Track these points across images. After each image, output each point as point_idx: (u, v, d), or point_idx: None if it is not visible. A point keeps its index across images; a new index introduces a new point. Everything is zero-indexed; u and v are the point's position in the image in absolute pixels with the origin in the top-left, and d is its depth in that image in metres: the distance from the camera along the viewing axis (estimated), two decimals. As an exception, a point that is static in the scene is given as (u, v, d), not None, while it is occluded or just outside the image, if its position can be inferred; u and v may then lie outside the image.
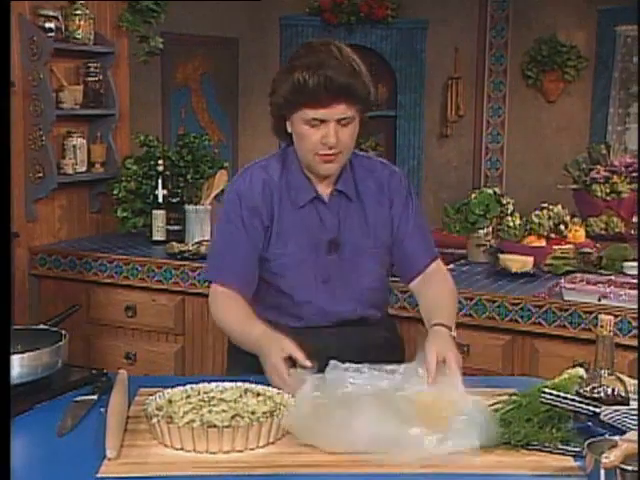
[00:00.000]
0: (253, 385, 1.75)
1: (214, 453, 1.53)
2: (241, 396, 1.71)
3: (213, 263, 2.13)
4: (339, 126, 1.93)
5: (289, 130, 2.01)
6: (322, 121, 1.92)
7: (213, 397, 1.71)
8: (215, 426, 1.55)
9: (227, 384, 1.76)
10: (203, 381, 1.79)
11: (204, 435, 1.52)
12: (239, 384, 1.76)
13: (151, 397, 1.68)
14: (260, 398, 1.70)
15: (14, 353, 1.80)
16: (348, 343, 2.04)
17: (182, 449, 1.54)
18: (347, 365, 1.78)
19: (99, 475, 1.47)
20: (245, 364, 1.97)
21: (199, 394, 1.72)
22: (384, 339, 2.15)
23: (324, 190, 2.07)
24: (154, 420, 1.57)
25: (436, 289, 2.09)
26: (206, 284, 3.29)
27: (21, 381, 1.80)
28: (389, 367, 1.80)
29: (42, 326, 2.03)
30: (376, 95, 2.03)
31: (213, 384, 1.76)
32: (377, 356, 1.88)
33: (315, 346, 1.90)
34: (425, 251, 2.14)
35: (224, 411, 1.63)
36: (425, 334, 1.93)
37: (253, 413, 1.63)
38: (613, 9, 5.76)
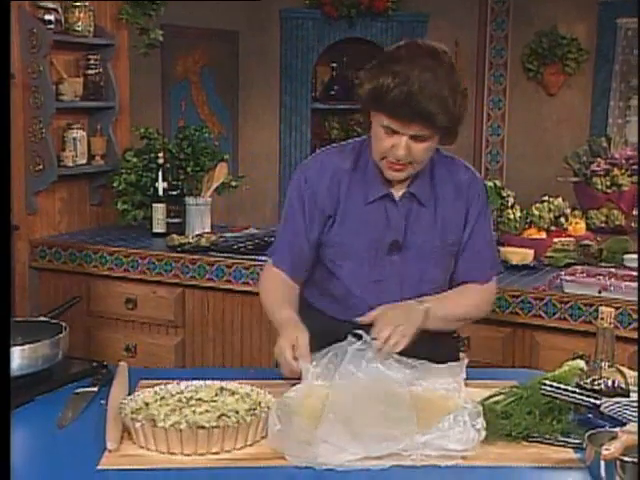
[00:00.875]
0: (224, 383, 1.72)
1: (202, 455, 1.50)
2: (217, 395, 1.68)
3: (274, 242, 2.13)
4: (412, 141, 1.87)
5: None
6: (395, 131, 1.86)
7: (190, 397, 1.67)
8: (203, 427, 1.51)
9: (197, 383, 1.72)
10: (204, 374, 1.79)
11: (193, 436, 1.49)
12: (209, 382, 1.73)
13: (123, 401, 1.63)
14: (236, 396, 1.67)
15: (14, 345, 1.81)
16: None
17: (168, 452, 1.50)
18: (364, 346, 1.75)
19: (99, 467, 1.47)
20: None
21: (173, 395, 1.68)
22: (427, 353, 1.86)
23: (397, 190, 2.00)
24: (138, 424, 1.52)
25: (457, 294, 2.05)
26: (207, 276, 3.30)
27: (21, 373, 1.80)
28: (410, 361, 1.77)
29: (42, 318, 2.03)
30: (464, 114, 1.96)
31: (183, 384, 1.72)
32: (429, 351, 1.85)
33: None
34: (480, 269, 2.08)
35: (207, 411, 1.60)
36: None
37: (237, 412, 1.60)
38: (614, 2, 5.75)
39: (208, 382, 1.73)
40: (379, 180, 1.99)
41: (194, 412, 1.59)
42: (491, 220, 2.12)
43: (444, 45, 1.93)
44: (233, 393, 1.69)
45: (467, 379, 1.86)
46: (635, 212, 3.88)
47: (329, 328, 1.97)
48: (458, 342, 2.24)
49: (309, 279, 2.12)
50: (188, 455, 1.50)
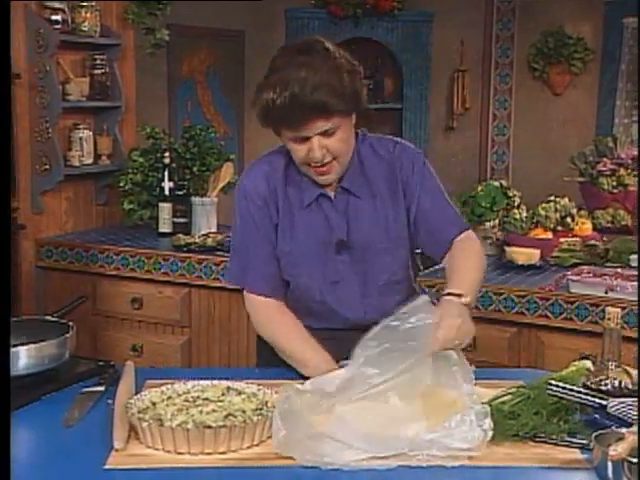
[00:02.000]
0: (230, 383, 1.72)
1: (209, 454, 1.50)
2: (224, 394, 1.68)
3: (237, 265, 2.04)
4: (324, 137, 1.82)
5: None
6: (305, 138, 1.82)
7: (197, 397, 1.67)
8: (210, 427, 1.51)
9: (204, 382, 1.72)
10: (210, 374, 1.79)
11: (200, 436, 1.49)
12: (216, 382, 1.73)
13: (130, 401, 1.63)
14: (243, 396, 1.67)
15: (21, 344, 1.81)
16: None
17: (175, 452, 1.50)
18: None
19: (107, 466, 1.47)
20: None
21: (180, 395, 1.68)
22: None
23: (331, 188, 1.97)
24: (145, 424, 1.52)
25: (458, 259, 1.96)
26: (213, 276, 3.30)
27: (28, 372, 1.80)
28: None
29: (49, 318, 2.03)
30: (363, 92, 1.89)
31: (190, 384, 1.72)
32: None
33: (330, 349, 1.91)
34: (450, 224, 2.01)
35: (214, 411, 1.60)
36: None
37: (244, 412, 1.60)
38: (620, 1, 5.74)
39: (215, 382, 1.74)
40: (312, 182, 1.95)
41: (201, 412, 1.59)
42: (438, 182, 2.03)
43: (319, 37, 1.89)
44: (240, 393, 1.69)
45: (474, 379, 1.87)
46: (642, 212, 3.87)
47: None
48: None
49: None
50: (195, 455, 1.50)
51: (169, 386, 1.71)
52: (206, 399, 1.66)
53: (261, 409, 1.61)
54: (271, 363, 2.04)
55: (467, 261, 1.96)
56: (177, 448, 1.50)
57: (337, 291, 1.99)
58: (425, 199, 1.98)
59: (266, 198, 1.97)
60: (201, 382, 1.73)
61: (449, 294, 1.81)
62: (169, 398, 1.66)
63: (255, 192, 1.98)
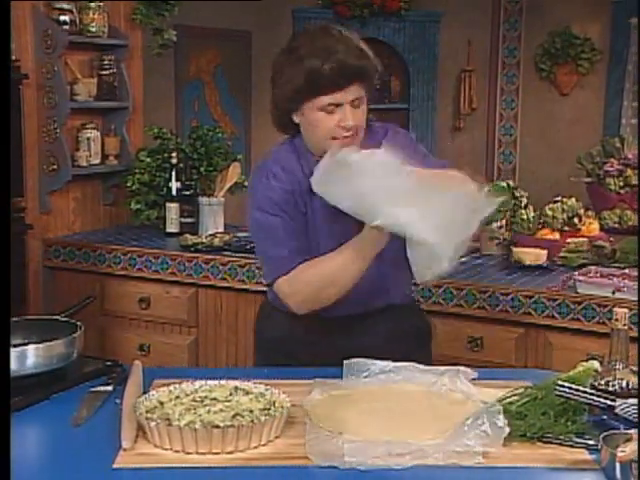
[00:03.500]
0: (237, 382, 1.72)
1: (217, 454, 1.50)
2: (231, 394, 1.68)
3: (270, 262, 2.01)
4: (352, 108, 1.93)
5: (296, 121, 1.98)
6: (337, 105, 1.91)
7: (205, 397, 1.67)
8: (218, 426, 1.51)
9: (211, 382, 1.73)
10: (218, 373, 1.80)
11: (207, 436, 1.49)
12: (223, 382, 1.73)
13: (138, 400, 1.63)
14: (251, 396, 1.67)
15: (29, 343, 1.82)
16: (377, 332, 2.05)
17: (182, 451, 1.50)
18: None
19: (115, 466, 1.48)
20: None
21: (188, 394, 1.68)
22: (413, 327, 2.16)
23: None
24: (153, 424, 1.52)
25: None
26: (220, 276, 3.30)
27: (36, 371, 1.81)
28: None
29: (57, 317, 2.04)
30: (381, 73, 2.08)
31: (197, 383, 1.72)
32: (407, 344, 1.94)
33: (346, 337, 1.98)
34: None
35: (222, 410, 1.60)
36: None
37: (251, 411, 1.60)
38: (627, 1, 5.73)
39: (222, 381, 1.74)
40: None
41: (209, 411, 1.60)
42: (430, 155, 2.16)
43: None
44: (247, 392, 1.69)
45: (480, 379, 1.87)
46: (650, 212, 3.86)
47: (296, 329, 2.05)
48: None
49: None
50: (203, 454, 1.50)
51: (177, 386, 1.71)
52: (214, 399, 1.66)
53: (269, 409, 1.62)
54: (269, 363, 2.08)
55: None
56: (185, 448, 1.50)
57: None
58: (425, 162, 2.04)
59: (290, 195, 1.99)
60: (209, 382, 1.73)
61: None
62: (177, 398, 1.67)
63: (281, 191, 1.99)
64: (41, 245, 3.67)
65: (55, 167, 3.62)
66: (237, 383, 1.73)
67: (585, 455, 1.53)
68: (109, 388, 1.83)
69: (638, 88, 5.58)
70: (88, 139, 3.80)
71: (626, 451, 1.35)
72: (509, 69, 6.20)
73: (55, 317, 2.05)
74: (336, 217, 1.92)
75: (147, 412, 1.59)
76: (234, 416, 1.57)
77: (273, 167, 2.04)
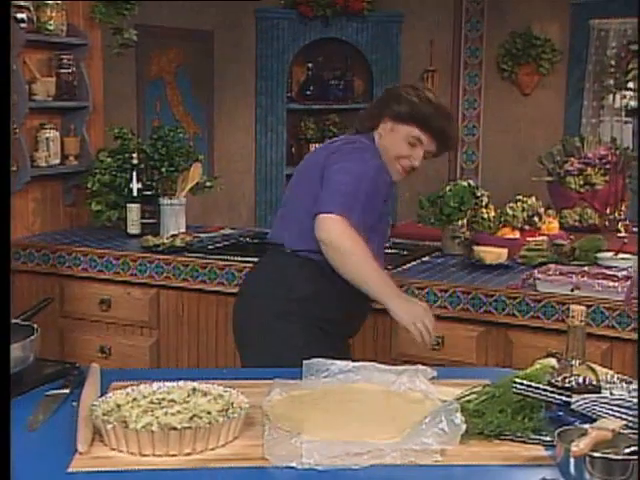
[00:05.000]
0: (196, 384, 1.72)
1: (174, 456, 1.48)
2: (189, 396, 1.67)
3: (344, 201, 2.28)
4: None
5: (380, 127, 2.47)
6: (419, 144, 2.42)
7: (163, 398, 1.66)
8: (175, 428, 1.50)
9: (169, 384, 1.72)
10: (177, 375, 1.78)
11: (164, 438, 1.48)
12: (182, 383, 1.72)
13: (95, 403, 1.62)
14: (209, 397, 1.67)
15: (-16, 347, 1.79)
16: None
17: (139, 454, 1.48)
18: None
19: (70, 470, 1.46)
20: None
21: (145, 396, 1.67)
22: None
23: None
24: (109, 426, 1.50)
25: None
26: (181, 277, 3.28)
27: (-8, 375, 1.78)
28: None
29: (14, 320, 2.01)
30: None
31: (155, 385, 1.71)
32: None
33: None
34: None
35: (180, 412, 1.59)
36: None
37: (209, 413, 1.59)
38: (586, 3, 5.80)
39: (181, 383, 1.73)
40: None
41: (166, 413, 1.58)
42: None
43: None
44: (205, 394, 1.68)
45: (440, 378, 1.88)
46: (608, 211, 3.91)
47: (330, 284, 2.35)
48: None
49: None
50: (159, 456, 1.49)
51: (134, 388, 1.69)
52: (172, 401, 1.65)
53: (227, 410, 1.61)
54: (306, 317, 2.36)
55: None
56: (142, 450, 1.49)
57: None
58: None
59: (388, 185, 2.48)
60: (167, 384, 1.72)
61: None
62: (134, 400, 1.65)
63: (382, 174, 2.43)
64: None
65: (14, 168, 3.56)
66: (195, 384, 1.72)
67: (541, 451, 1.54)
68: (66, 391, 1.81)
69: (639, 89, 5.63)
70: (47, 139, 3.75)
71: (580, 446, 1.36)
72: (471, 69, 6.24)
73: (12, 320, 2.01)
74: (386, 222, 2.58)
75: (104, 415, 1.57)
76: (191, 418, 1.56)
77: (378, 160, 2.43)
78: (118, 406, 1.62)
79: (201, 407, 1.62)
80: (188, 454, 1.50)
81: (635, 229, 3.69)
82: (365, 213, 2.32)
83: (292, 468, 1.46)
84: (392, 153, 2.44)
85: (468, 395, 1.71)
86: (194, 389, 1.70)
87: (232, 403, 1.64)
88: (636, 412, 1.53)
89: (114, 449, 1.51)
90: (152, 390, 1.70)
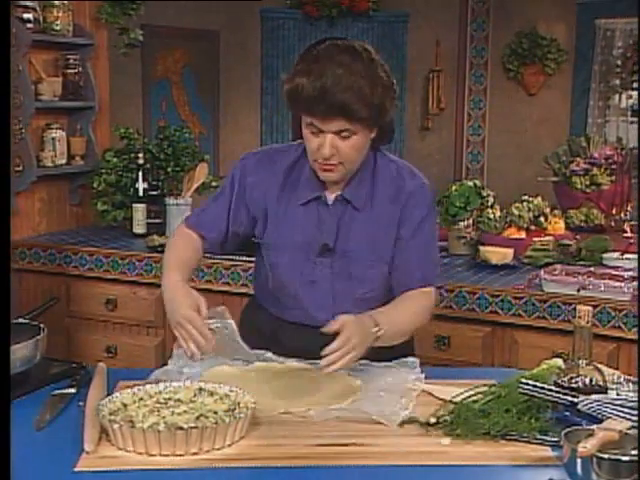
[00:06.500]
0: (202, 384, 1.72)
1: (180, 456, 1.49)
2: (195, 395, 1.68)
3: (198, 210, 2.14)
4: (338, 137, 1.84)
5: None
6: (320, 130, 1.84)
7: (169, 398, 1.66)
8: (181, 428, 1.50)
9: (175, 384, 1.72)
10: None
11: (171, 437, 1.48)
12: (188, 383, 1.73)
13: (101, 403, 1.62)
14: (215, 397, 1.67)
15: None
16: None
17: (145, 453, 1.49)
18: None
19: (77, 469, 1.46)
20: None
21: (152, 396, 1.67)
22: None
23: (330, 192, 1.98)
24: (116, 426, 1.51)
25: (399, 304, 1.96)
26: (187, 277, 3.28)
27: (-1, 375, 1.78)
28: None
29: (20, 320, 2.02)
30: (391, 111, 1.93)
31: (161, 385, 1.71)
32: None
33: (297, 344, 1.97)
34: (420, 274, 1.98)
35: (186, 412, 1.59)
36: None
37: (216, 413, 1.59)
38: (592, 2, 5.79)
39: (186, 383, 1.73)
40: (313, 182, 1.97)
41: (172, 413, 1.59)
42: (435, 230, 2.06)
43: (369, 45, 1.94)
44: (212, 394, 1.68)
45: (446, 378, 1.88)
46: (614, 211, 3.90)
47: (277, 329, 2.07)
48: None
49: (257, 280, 2.14)
50: (166, 456, 1.49)
51: (140, 387, 1.70)
52: (178, 400, 1.65)
53: (233, 410, 1.61)
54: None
55: (409, 306, 1.96)
56: (148, 450, 1.49)
57: (312, 292, 2.00)
58: (413, 234, 1.98)
59: (261, 185, 2.01)
60: (173, 383, 1.73)
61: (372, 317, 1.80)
62: (141, 399, 1.65)
63: (254, 175, 2.03)
64: (6, 247, 3.62)
65: (20, 168, 3.57)
66: (202, 384, 1.72)
67: (548, 452, 1.54)
68: (72, 390, 1.82)
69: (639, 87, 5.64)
70: (53, 139, 3.76)
71: (587, 446, 1.36)
72: (477, 69, 6.24)
73: (18, 319, 2.02)
74: (301, 226, 2.02)
75: (110, 414, 1.57)
76: (198, 417, 1.57)
77: (252, 160, 2.08)
78: (124, 405, 1.62)
79: (207, 407, 1.62)
80: (194, 454, 1.50)
81: (641, 229, 3.68)
82: (220, 221, 2.05)
83: (300, 468, 1.46)
84: (307, 152, 1.94)
85: (473, 395, 1.71)
86: (200, 389, 1.70)
87: (238, 403, 1.64)
88: (643, 413, 1.53)
89: (121, 449, 1.51)
90: (158, 390, 1.70)
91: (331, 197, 1.98)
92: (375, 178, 1.99)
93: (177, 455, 1.49)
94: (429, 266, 2.03)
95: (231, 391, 1.69)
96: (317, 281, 2.00)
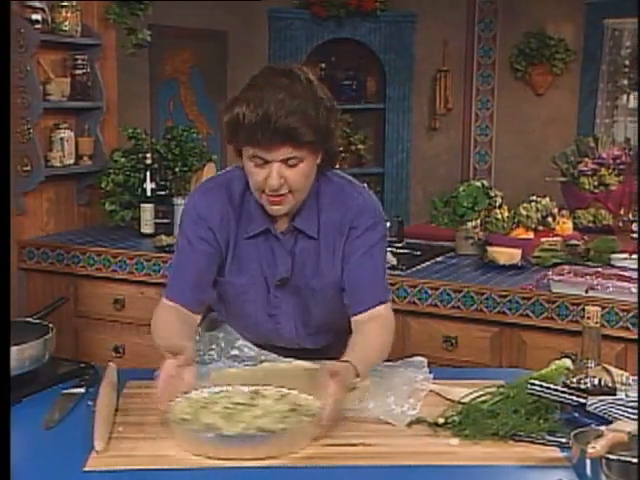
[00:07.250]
0: (246, 387, 1.71)
1: (274, 458, 1.48)
2: (252, 398, 1.67)
3: (169, 278, 1.99)
4: (285, 166, 1.75)
5: None
6: (266, 161, 1.75)
7: (237, 403, 1.64)
8: (273, 431, 1.51)
9: (216, 388, 1.70)
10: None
11: (266, 441, 1.48)
12: (229, 388, 1.71)
13: (170, 404, 1.59)
14: (270, 399, 1.66)
15: (1, 346, 1.80)
16: None
17: (238, 460, 1.47)
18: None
19: (86, 468, 1.47)
20: None
21: (213, 403, 1.64)
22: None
23: (280, 224, 1.91)
24: (209, 435, 1.49)
25: (368, 340, 1.85)
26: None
27: (8, 374, 1.79)
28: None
29: (29, 319, 2.02)
30: (336, 133, 1.86)
31: (205, 391, 1.68)
32: None
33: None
34: (374, 291, 1.91)
35: (264, 415, 1.58)
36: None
37: (307, 410, 1.60)
38: (600, 2, 5.77)
39: (237, 386, 1.71)
40: (259, 214, 1.89)
41: (256, 417, 1.58)
42: (384, 248, 1.97)
43: (305, 67, 1.85)
44: (264, 396, 1.68)
45: (454, 378, 1.88)
46: (622, 212, 3.89)
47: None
48: None
49: (218, 306, 2.09)
50: (176, 457, 1.49)
51: (183, 397, 1.64)
52: (240, 404, 1.64)
53: (295, 410, 1.62)
54: None
55: (374, 352, 1.85)
56: (241, 455, 1.48)
57: (274, 323, 2.01)
58: (357, 251, 1.91)
59: (218, 225, 1.91)
60: (214, 388, 1.70)
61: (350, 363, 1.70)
62: (203, 408, 1.62)
63: (209, 217, 1.90)
64: (15, 247, 3.63)
65: (28, 168, 3.59)
66: (246, 388, 1.71)
67: (557, 453, 1.54)
68: (81, 390, 1.82)
69: (639, 89, 5.62)
70: (61, 139, 3.76)
71: (596, 447, 1.36)
72: (484, 69, 6.22)
73: (27, 319, 2.03)
74: (256, 260, 1.97)
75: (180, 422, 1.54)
76: (285, 417, 1.57)
77: (204, 202, 1.95)
78: (187, 414, 1.59)
79: (274, 408, 1.62)
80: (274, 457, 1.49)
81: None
82: (200, 277, 1.92)
83: (307, 468, 1.46)
84: (251, 186, 1.84)
85: (482, 395, 1.70)
86: (257, 391, 1.69)
87: (299, 403, 1.64)
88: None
89: (211, 458, 1.48)
90: (212, 397, 1.66)
91: (281, 229, 1.92)
92: (319, 204, 1.92)
93: (271, 458, 1.48)
94: (381, 283, 1.95)
95: (278, 391, 1.69)
96: (279, 314, 1.99)
